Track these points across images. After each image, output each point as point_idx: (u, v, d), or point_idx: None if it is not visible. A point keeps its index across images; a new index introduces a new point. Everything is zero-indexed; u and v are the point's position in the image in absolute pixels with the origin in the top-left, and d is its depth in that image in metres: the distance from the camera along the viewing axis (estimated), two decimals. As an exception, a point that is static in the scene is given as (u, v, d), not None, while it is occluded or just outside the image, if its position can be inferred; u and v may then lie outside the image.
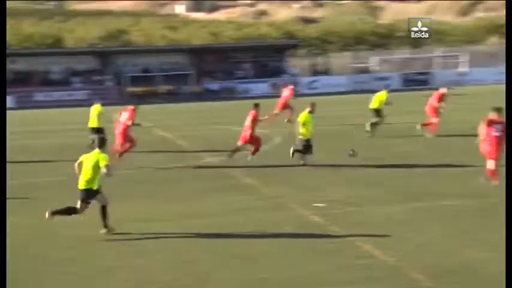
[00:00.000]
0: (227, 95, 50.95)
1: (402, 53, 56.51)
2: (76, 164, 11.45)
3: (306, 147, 17.79)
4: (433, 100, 22.83)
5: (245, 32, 68.15)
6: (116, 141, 18.63)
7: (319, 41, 62.90)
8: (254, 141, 18.36)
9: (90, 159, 11.26)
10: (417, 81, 51.21)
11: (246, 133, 18.22)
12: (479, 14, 65.89)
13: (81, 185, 11.27)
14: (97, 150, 11.41)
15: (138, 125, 19.10)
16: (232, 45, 61.55)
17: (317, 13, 73.45)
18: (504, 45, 61.67)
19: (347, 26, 62.68)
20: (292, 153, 17.80)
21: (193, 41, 65.40)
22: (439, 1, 72.49)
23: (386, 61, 55.27)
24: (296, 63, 56.62)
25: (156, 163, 18.99)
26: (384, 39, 60.89)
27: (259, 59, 55.66)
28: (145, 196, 14.52)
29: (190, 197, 14.25)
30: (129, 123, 18.69)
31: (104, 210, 11.37)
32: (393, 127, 24.43)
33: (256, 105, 18.46)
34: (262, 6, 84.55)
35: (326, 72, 55.60)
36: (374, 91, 25.68)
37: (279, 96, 30.50)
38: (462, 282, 8.86)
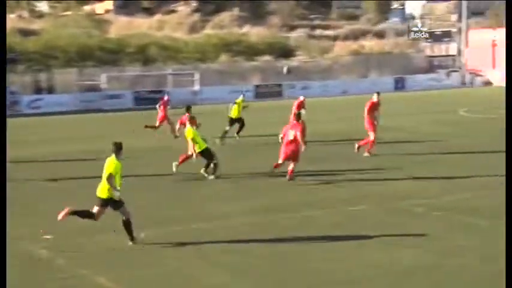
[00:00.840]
0: None
1: (133, 70, 57.03)
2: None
3: (209, 158, 18.25)
4: (295, 109, 25.09)
5: (-48, 44, 63.39)
6: None
7: (40, 56, 60.84)
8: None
9: (107, 167, 11.68)
10: (150, 100, 51.97)
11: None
12: (209, 31, 69.08)
13: (101, 193, 11.69)
14: (113, 156, 11.79)
15: None
16: None
17: (36, 25, 70.99)
18: (235, 63, 64.88)
19: (71, 40, 61.51)
20: (205, 172, 18.27)
21: None
22: (168, 16, 74.64)
23: (116, 78, 55.33)
24: (16, 79, 54.09)
25: None
26: (112, 55, 60.89)
27: (-30, 75, 52.16)
28: None
29: None
30: None
31: (127, 223, 11.80)
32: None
33: (188, 108, 20.25)
34: (-28, 14, 79.65)
35: (50, 90, 53.99)
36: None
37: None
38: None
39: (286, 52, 67.24)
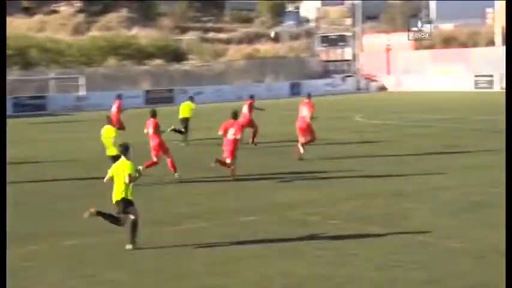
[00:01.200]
0: None
1: (11, 74, 55.23)
2: (105, 179, 12.31)
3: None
4: (246, 110, 26.48)
5: None
6: None
7: None
8: (165, 150, 19.22)
9: (120, 170, 12.01)
10: (31, 106, 50.67)
11: (154, 142, 19.06)
12: (95, 33, 67.79)
13: (116, 196, 11.96)
14: (123, 158, 12.17)
15: None
16: None
17: None
18: (123, 67, 63.94)
19: None
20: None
21: None
22: (50, 17, 72.84)
23: (-7, 83, 53.42)
24: None
25: None
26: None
27: None
28: None
29: None
30: None
31: (134, 224, 12.05)
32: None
33: (154, 113, 19.53)
34: None
35: None
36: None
37: None
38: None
39: (178, 56, 67.02)
